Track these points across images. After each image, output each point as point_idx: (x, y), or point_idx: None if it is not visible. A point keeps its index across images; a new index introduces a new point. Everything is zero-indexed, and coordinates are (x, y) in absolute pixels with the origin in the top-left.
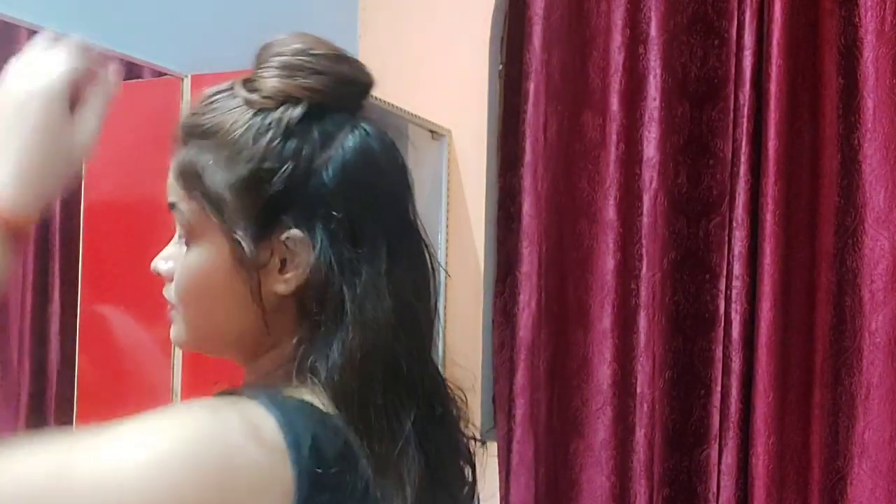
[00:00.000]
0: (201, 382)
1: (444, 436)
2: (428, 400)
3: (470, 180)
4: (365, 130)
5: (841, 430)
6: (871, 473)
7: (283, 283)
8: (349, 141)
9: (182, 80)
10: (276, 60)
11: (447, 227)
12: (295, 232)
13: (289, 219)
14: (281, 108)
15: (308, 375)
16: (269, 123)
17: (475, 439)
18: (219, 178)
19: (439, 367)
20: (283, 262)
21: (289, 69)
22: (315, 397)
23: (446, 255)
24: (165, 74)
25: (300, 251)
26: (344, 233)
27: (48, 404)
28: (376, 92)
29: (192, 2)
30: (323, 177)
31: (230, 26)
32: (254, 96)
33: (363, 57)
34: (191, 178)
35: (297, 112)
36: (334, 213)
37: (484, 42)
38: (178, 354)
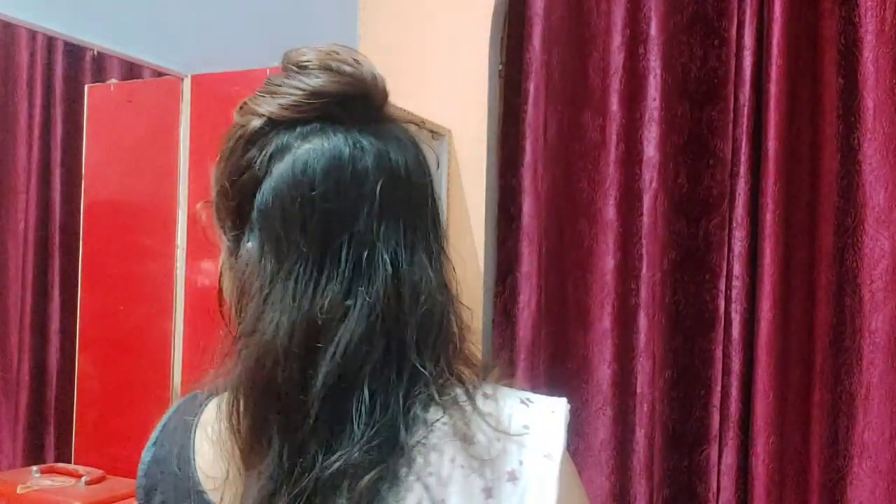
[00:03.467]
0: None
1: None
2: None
3: (470, 180)
4: (314, 146)
5: (841, 430)
6: (871, 473)
7: None
8: (291, 155)
9: (182, 80)
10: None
11: (447, 227)
12: (249, 245)
13: (248, 230)
14: (247, 122)
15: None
16: (238, 136)
17: None
18: (214, 186)
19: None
20: None
21: (262, 87)
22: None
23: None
24: (165, 74)
25: None
26: (271, 246)
27: (48, 404)
28: None
29: (192, 2)
30: (264, 189)
31: (230, 26)
32: (235, 113)
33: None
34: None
35: (254, 124)
36: (267, 225)
37: (484, 42)
38: (177, 354)
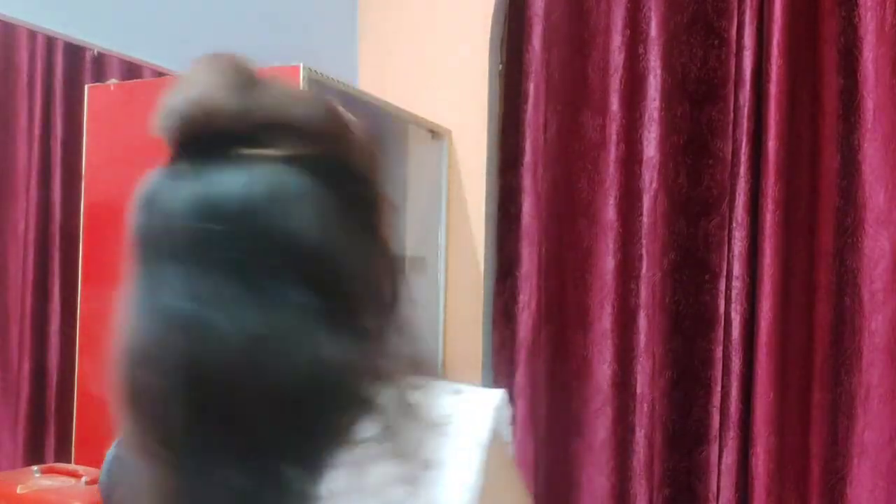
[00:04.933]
0: None
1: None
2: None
3: (470, 180)
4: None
5: (840, 430)
6: (871, 473)
7: None
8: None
9: None
10: None
11: (447, 227)
12: None
13: None
14: None
15: None
16: None
17: None
18: None
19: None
20: None
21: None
22: None
23: (446, 255)
24: (165, 74)
25: None
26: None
27: (48, 404)
28: (377, 92)
29: (193, 2)
30: None
31: (230, 26)
32: None
33: (363, 57)
34: None
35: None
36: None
37: (484, 42)
38: None
